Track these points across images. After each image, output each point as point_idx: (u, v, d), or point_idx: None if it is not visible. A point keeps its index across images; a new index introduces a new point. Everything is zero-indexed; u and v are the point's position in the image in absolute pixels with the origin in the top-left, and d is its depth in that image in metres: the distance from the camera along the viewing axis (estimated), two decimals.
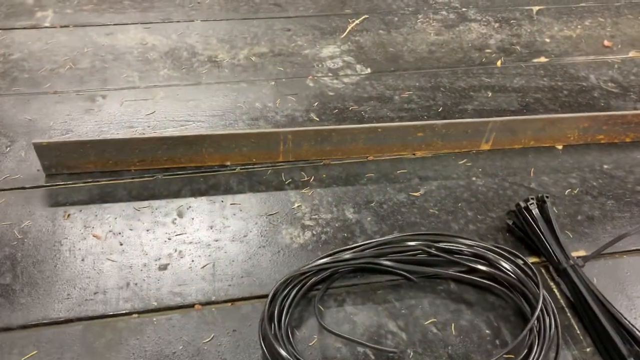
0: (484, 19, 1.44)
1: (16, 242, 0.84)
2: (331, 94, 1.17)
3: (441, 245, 0.82)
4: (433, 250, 0.81)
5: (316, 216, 0.91)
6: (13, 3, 1.36)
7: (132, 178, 0.95)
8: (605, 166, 1.03)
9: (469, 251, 0.81)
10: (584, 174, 1.02)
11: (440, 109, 1.14)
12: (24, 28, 1.30)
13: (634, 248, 0.89)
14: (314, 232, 0.88)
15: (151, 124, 1.06)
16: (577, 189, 0.98)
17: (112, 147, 0.92)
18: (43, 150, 0.90)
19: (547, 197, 0.88)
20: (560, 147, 1.07)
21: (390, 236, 0.84)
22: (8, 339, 0.72)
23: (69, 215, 0.88)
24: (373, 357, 0.72)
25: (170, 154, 0.95)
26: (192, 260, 0.83)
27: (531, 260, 0.85)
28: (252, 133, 0.96)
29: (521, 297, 0.78)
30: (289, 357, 0.67)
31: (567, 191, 0.98)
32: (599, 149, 1.07)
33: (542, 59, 1.31)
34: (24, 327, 0.73)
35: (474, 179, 0.99)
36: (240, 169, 0.98)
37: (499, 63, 1.29)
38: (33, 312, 0.75)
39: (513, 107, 1.16)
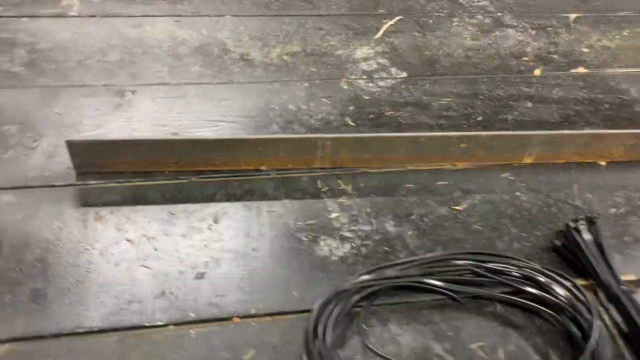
0: (520, 25, 1.40)
1: (47, 244, 0.81)
2: (366, 97, 1.14)
3: (489, 265, 0.79)
4: (481, 271, 0.78)
5: (355, 227, 0.88)
6: None
7: (166, 180, 0.92)
8: None
9: (517, 272, 0.78)
10: (629, 192, 0.98)
11: (480, 117, 1.11)
12: (50, 16, 1.26)
13: None
14: (354, 245, 0.85)
15: (183, 123, 1.03)
16: (623, 208, 0.95)
17: (147, 147, 0.88)
18: (76, 149, 0.87)
19: (597, 217, 0.85)
20: (603, 163, 1.04)
21: (437, 254, 0.81)
22: (39, 348, 0.69)
23: (100, 217, 0.85)
24: None
25: (206, 157, 0.92)
26: (230, 270, 0.80)
27: (580, 282, 0.82)
28: (290, 138, 0.92)
29: (571, 321, 0.75)
30: None
31: (612, 210, 0.95)
32: None
33: (581, 70, 1.27)
34: (57, 335, 0.70)
35: (517, 193, 0.96)
36: (276, 174, 0.95)
37: (537, 72, 1.25)
38: (66, 320, 0.72)
39: (553, 119, 1.13)
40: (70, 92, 1.07)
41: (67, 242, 0.81)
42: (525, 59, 1.29)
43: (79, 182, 0.90)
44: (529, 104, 1.16)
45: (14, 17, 1.24)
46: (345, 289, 0.74)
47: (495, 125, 1.10)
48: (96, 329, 0.72)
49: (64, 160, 0.92)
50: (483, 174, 0.99)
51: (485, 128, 1.09)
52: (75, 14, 1.28)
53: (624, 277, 0.83)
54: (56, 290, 0.75)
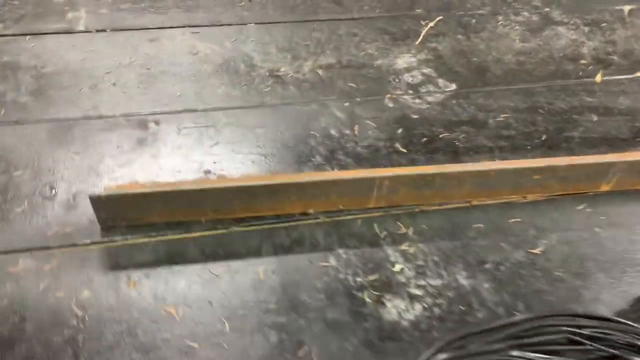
0: (571, 22, 1.27)
1: (76, 321, 0.70)
2: (415, 116, 1.02)
3: (587, 332, 0.68)
4: (579, 338, 0.67)
5: (423, 282, 0.77)
6: (40, 1, 1.19)
7: (203, 230, 0.81)
8: None
9: (624, 340, 0.68)
10: None
11: (544, 136, 0.99)
12: (56, 33, 1.13)
13: None
14: (425, 305, 0.74)
15: (216, 158, 0.91)
16: None
17: (182, 198, 0.77)
18: (101, 204, 0.76)
19: None
20: None
21: (524, 317, 0.70)
22: None
23: (134, 283, 0.74)
24: None
25: (248, 203, 0.80)
26: (283, 342, 0.69)
27: None
28: (344, 179, 0.81)
29: None
30: None
31: None
32: None
33: None
34: None
35: (597, 229, 0.85)
36: (325, 217, 0.84)
37: (598, 78, 1.13)
38: None
39: (624, 135, 1.01)
40: (86, 126, 0.95)
41: (99, 317, 0.71)
42: (582, 62, 1.17)
43: (105, 239, 0.79)
44: (595, 118, 1.04)
45: (17, 35, 1.11)
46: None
47: (560, 146, 0.98)
48: None
49: (86, 210, 0.80)
50: (556, 207, 0.88)
51: (550, 149, 0.97)
52: (83, 28, 1.15)
53: None
54: None
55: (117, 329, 0.70)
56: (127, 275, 0.75)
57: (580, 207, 0.88)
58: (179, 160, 0.91)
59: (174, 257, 0.78)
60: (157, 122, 0.96)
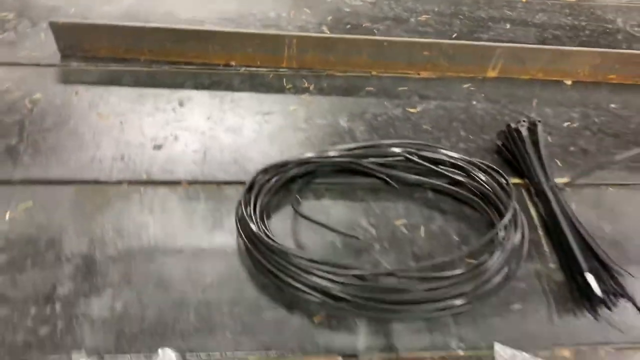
0: None
1: (26, 111, 0.90)
2: (347, 10, 1.17)
3: (424, 153, 0.84)
4: (415, 158, 0.83)
5: (310, 121, 0.93)
6: None
7: (141, 67, 0.99)
8: (612, 105, 1.02)
9: (450, 162, 0.83)
10: (587, 109, 1.00)
11: (455, 35, 1.13)
12: None
13: (620, 182, 0.88)
14: (306, 136, 0.91)
15: (167, 22, 1.09)
16: (578, 123, 0.98)
17: (124, 33, 0.95)
18: (59, 30, 0.95)
19: (539, 121, 0.88)
20: (569, 82, 1.05)
21: (377, 141, 0.86)
22: (7, 191, 0.78)
23: (77, 93, 0.93)
24: (340, 246, 0.76)
25: (179, 48, 0.98)
26: (186, 145, 0.87)
27: (515, 181, 0.86)
28: (257, 34, 0.98)
29: (495, 211, 0.80)
30: (260, 233, 0.71)
31: (566, 124, 0.97)
32: (609, 88, 1.05)
33: None
34: (23, 182, 0.79)
35: (474, 102, 1.00)
36: (245, 70, 1.01)
37: None
38: (33, 171, 0.81)
39: (530, 42, 1.14)
40: None
41: (45, 111, 0.90)
42: None
43: (62, 64, 0.98)
44: (508, 26, 1.18)
45: None
46: (282, 163, 0.81)
47: None
48: (58, 180, 0.80)
49: (54, 46, 1.00)
50: (444, 84, 1.03)
51: None
52: None
53: (560, 180, 0.86)
54: (28, 147, 0.84)
55: (56, 120, 0.89)
56: (74, 89, 0.95)
57: (466, 85, 1.03)
58: (133, 18, 1.09)
59: (112, 81, 0.96)
60: None
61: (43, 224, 0.74)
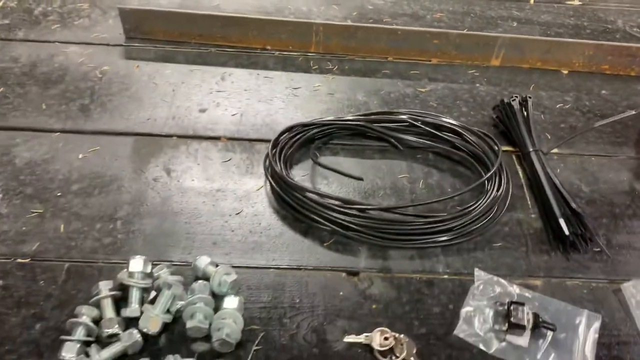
0: None
1: (96, 79, 1.08)
2: (370, 7, 1.33)
3: (426, 119, 0.98)
4: (419, 124, 0.97)
5: (332, 95, 1.09)
6: None
7: (191, 48, 1.17)
8: (604, 92, 1.14)
9: (448, 127, 0.97)
10: (580, 94, 1.13)
11: (466, 30, 1.28)
12: None
13: (603, 154, 1.00)
14: (327, 107, 1.06)
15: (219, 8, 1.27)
16: (570, 104, 1.10)
17: (178, 19, 1.14)
18: (125, 15, 1.14)
19: (529, 97, 1.01)
20: (565, 71, 1.18)
21: (386, 110, 1.01)
22: (81, 138, 0.96)
23: (138, 67, 1.11)
24: (350, 193, 0.90)
25: (224, 33, 1.16)
26: (225, 109, 1.04)
27: (507, 148, 0.99)
28: (290, 21, 1.15)
29: (486, 170, 0.93)
30: (282, 173, 0.86)
31: (559, 105, 1.10)
32: (602, 78, 1.17)
33: (575, 2, 1.40)
34: (93, 132, 0.97)
35: (477, 85, 1.13)
36: (278, 53, 1.18)
37: (532, 0, 1.39)
38: (100, 124, 0.99)
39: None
40: None
41: (111, 80, 1.08)
42: None
43: (127, 44, 1.17)
44: (514, 24, 1.31)
45: None
46: (304, 124, 0.96)
47: None
48: (120, 132, 0.98)
49: (120, 30, 1.19)
50: (452, 69, 1.17)
51: None
52: None
53: (547, 149, 0.99)
54: (97, 106, 1.02)
55: (120, 86, 1.07)
56: (135, 64, 1.13)
57: (471, 71, 1.17)
58: (192, 6, 1.27)
59: (167, 59, 1.14)
60: None
61: (107, 164, 0.91)
